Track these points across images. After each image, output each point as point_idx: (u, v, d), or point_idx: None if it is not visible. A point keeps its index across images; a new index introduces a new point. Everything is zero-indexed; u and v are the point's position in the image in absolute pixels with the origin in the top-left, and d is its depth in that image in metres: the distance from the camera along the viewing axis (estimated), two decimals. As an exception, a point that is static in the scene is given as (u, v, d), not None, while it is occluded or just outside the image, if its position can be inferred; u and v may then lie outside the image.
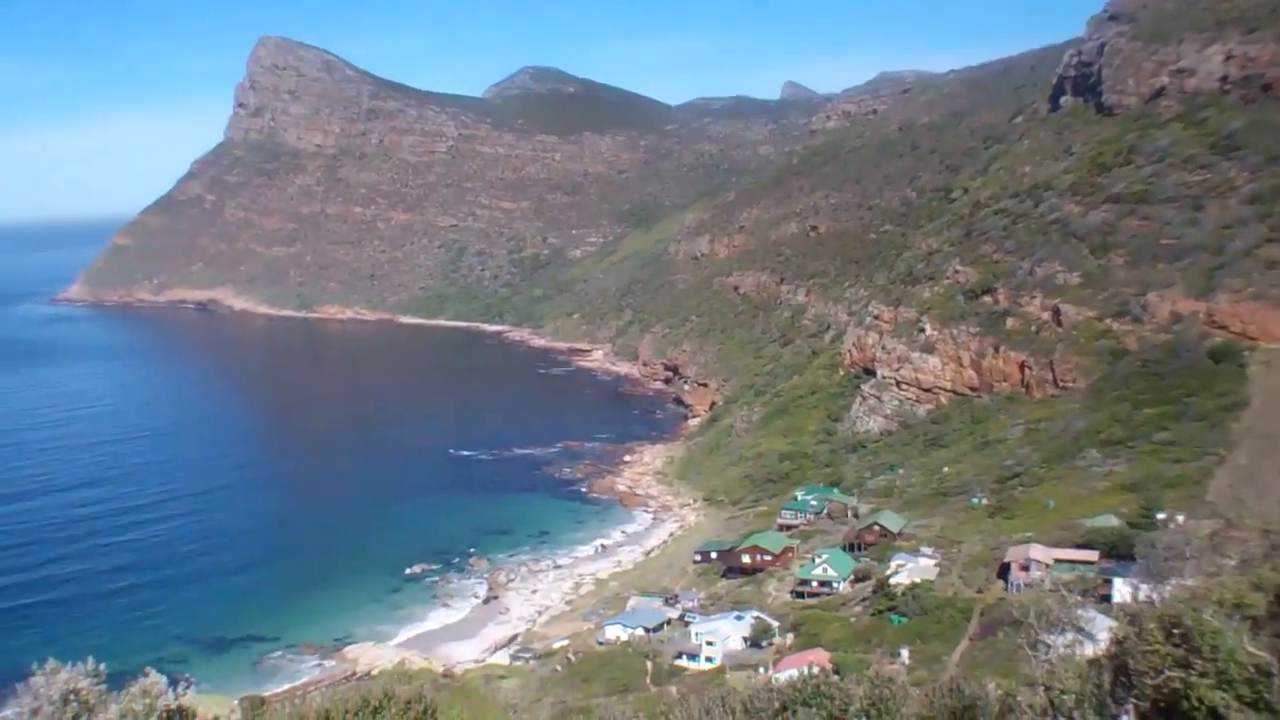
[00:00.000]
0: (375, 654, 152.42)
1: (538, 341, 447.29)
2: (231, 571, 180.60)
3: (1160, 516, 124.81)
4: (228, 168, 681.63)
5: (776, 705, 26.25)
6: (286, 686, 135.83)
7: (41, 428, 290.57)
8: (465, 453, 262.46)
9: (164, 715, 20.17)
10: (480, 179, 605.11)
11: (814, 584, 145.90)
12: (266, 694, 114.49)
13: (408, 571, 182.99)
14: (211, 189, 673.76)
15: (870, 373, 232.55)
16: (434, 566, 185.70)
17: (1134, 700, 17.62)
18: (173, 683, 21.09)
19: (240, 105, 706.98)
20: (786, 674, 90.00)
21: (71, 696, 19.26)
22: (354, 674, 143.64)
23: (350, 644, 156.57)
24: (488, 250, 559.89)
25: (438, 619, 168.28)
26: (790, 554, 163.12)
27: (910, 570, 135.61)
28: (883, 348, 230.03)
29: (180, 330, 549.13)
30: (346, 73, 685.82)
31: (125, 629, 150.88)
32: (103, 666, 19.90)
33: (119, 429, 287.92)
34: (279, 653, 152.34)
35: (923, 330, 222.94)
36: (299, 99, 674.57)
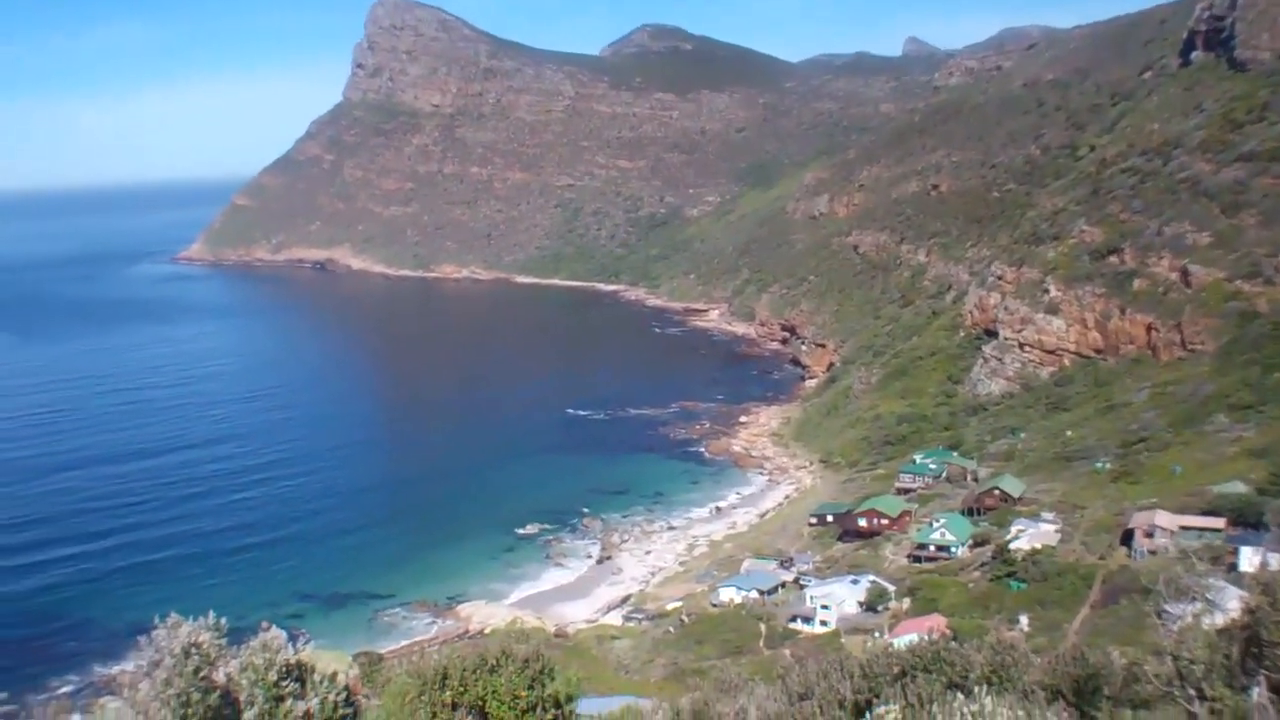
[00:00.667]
0: (488, 613, 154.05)
1: (654, 301, 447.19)
2: (348, 530, 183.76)
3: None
4: (346, 128, 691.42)
5: (895, 670, 25.55)
6: (400, 643, 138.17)
7: (164, 386, 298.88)
8: (581, 412, 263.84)
9: (283, 669, 20.09)
10: (597, 138, 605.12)
11: (931, 548, 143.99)
12: (380, 650, 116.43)
13: (521, 531, 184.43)
14: (330, 149, 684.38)
15: (992, 334, 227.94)
16: (548, 526, 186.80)
17: (1265, 672, 17.07)
18: (291, 638, 21.02)
19: (358, 66, 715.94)
20: (903, 639, 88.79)
21: (193, 650, 19.25)
22: (467, 632, 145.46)
23: (463, 602, 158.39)
24: (604, 209, 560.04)
25: (550, 579, 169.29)
26: (908, 518, 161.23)
27: (1030, 535, 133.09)
28: (1005, 309, 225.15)
29: (298, 289, 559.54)
30: (464, 32, 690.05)
31: (244, 585, 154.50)
32: (224, 621, 19.92)
33: (239, 388, 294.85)
34: (393, 610, 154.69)
35: (1046, 291, 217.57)
36: (416, 59, 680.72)
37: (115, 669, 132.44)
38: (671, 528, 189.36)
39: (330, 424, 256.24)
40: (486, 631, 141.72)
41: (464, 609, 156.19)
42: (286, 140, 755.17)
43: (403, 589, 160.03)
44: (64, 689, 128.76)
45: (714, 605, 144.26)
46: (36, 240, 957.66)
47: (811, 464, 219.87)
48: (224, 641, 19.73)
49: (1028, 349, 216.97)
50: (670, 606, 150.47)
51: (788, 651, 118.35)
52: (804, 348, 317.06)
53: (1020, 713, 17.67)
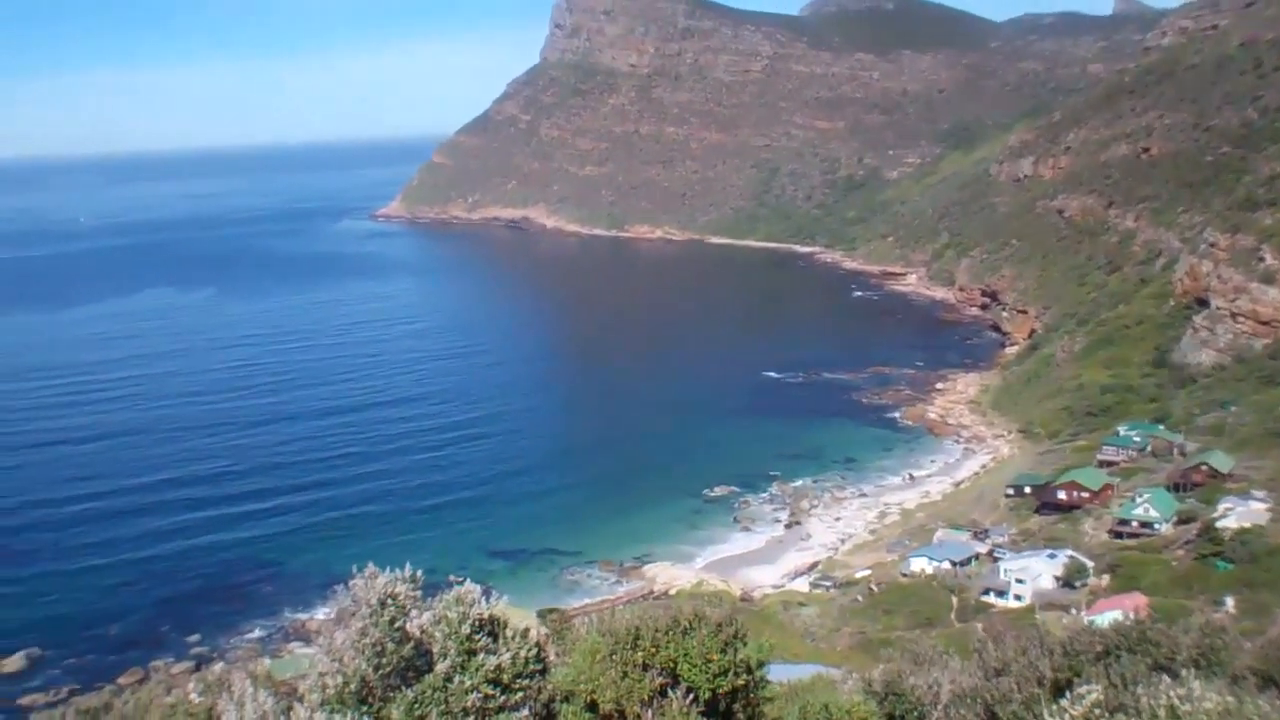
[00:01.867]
0: (673, 574, 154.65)
1: (850, 264, 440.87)
2: (537, 489, 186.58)
3: None
4: (543, 88, 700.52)
5: (1098, 649, 24.36)
6: (584, 602, 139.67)
7: (362, 342, 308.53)
8: (774, 375, 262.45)
9: (476, 623, 20.06)
10: (795, 98, 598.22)
11: (1134, 524, 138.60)
12: (564, 608, 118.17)
13: (710, 494, 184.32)
14: (527, 109, 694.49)
15: (1203, 303, 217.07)
16: (736, 490, 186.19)
17: None
18: (485, 593, 21.02)
19: (557, 26, 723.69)
20: (1101, 616, 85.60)
21: (389, 600, 19.36)
22: (651, 593, 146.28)
23: (649, 563, 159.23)
24: (801, 171, 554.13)
25: (738, 542, 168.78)
26: (1109, 492, 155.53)
27: (1239, 514, 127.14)
28: (1218, 277, 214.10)
29: (492, 248, 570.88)
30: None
31: (434, 541, 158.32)
32: (419, 573, 20.05)
33: (434, 346, 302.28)
34: (579, 569, 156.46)
35: (1262, 259, 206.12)
36: (614, 19, 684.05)
37: (304, 617, 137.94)
38: (863, 494, 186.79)
39: (522, 384, 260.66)
40: (671, 593, 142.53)
41: (649, 570, 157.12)
42: (484, 100, 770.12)
43: (589, 548, 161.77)
44: (254, 633, 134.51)
45: (904, 575, 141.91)
46: (245, 196, 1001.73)
47: (1010, 433, 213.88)
48: (419, 594, 19.85)
49: (1241, 319, 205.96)
50: (859, 575, 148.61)
51: (979, 625, 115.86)
52: (1004, 314, 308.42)
53: (1230, 699, 16.58)
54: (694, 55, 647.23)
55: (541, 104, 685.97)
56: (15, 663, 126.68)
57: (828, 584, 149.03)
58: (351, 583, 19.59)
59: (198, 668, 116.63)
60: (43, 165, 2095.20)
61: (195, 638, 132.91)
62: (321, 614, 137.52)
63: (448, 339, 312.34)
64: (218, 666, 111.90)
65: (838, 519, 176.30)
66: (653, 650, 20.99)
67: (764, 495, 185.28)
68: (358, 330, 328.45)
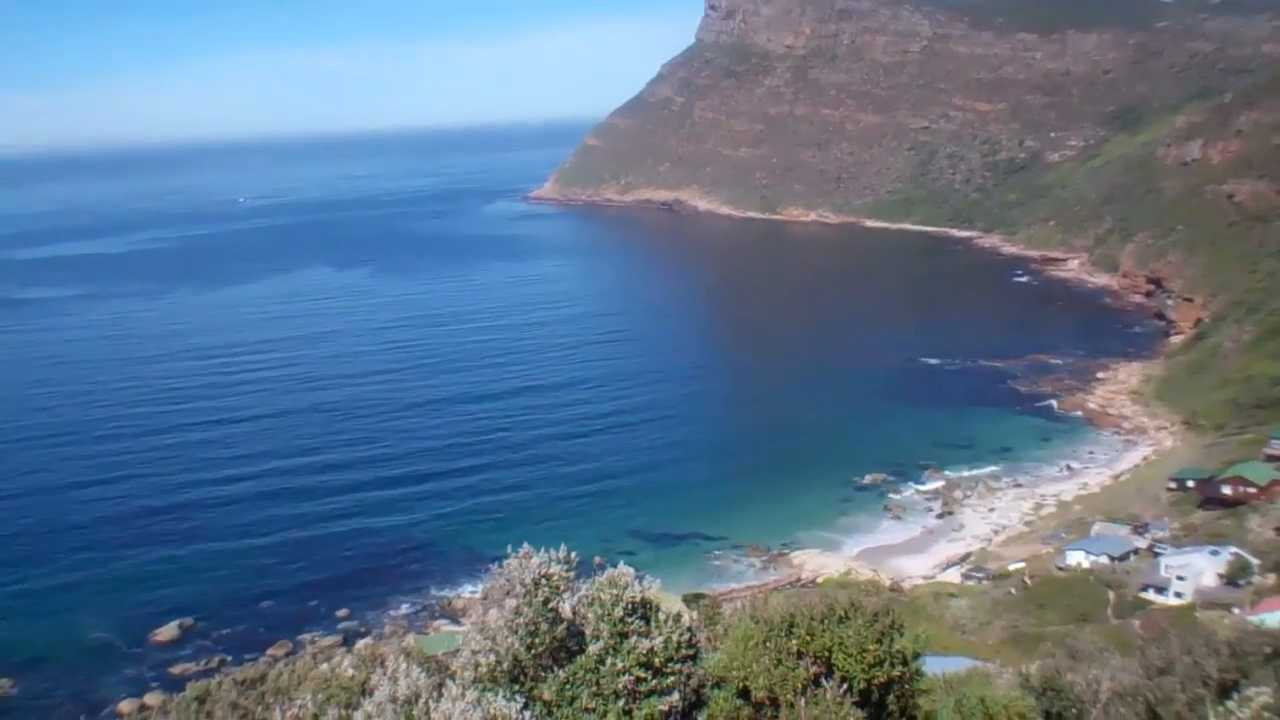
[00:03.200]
0: (821, 561, 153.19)
1: (1009, 249, 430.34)
2: (684, 471, 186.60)
3: None
4: (697, 70, 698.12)
5: (1267, 650, 23.50)
6: (729, 586, 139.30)
7: (514, 328, 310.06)
8: (928, 361, 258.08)
9: (629, 606, 19.96)
10: (954, 79, 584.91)
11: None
12: (708, 592, 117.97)
13: (860, 481, 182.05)
14: (680, 91, 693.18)
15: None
16: (888, 477, 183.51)
17: None
18: (638, 576, 20.87)
19: (712, 7, 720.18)
20: (1268, 616, 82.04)
21: (543, 580, 19.37)
22: (798, 580, 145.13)
23: (796, 550, 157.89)
24: (959, 153, 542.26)
25: (887, 531, 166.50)
26: (1277, 488, 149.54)
27: None
28: None
29: (644, 230, 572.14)
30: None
31: (580, 521, 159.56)
32: (574, 554, 20.00)
33: (586, 331, 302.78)
34: (724, 553, 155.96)
35: None
36: (771, 0, 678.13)
37: (450, 595, 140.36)
38: (1018, 485, 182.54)
39: (673, 370, 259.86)
40: (819, 581, 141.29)
41: (796, 556, 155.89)
42: (638, 82, 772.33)
43: (735, 532, 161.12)
44: (401, 610, 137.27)
45: (1059, 568, 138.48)
46: (401, 178, 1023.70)
47: (1173, 425, 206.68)
48: (572, 575, 19.82)
49: None
50: (1012, 567, 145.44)
51: (1138, 623, 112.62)
52: (1170, 301, 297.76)
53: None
54: (851, 36, 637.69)
55: (696, 86, 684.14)
56: (169, 632, 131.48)
57: (980, 575, 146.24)
58: (505, 562, 19.66)
59: (346, 642, 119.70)
60: (203, 147, 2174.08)
61: (344, 613, 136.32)
62: (468, 592, 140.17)
63: (599, 323, 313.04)
64: (366, 641, 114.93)
65: (991, 510, 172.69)
66: (808, 638, 20.68)
67: (916, 484, 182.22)
68: (511, 313, 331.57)
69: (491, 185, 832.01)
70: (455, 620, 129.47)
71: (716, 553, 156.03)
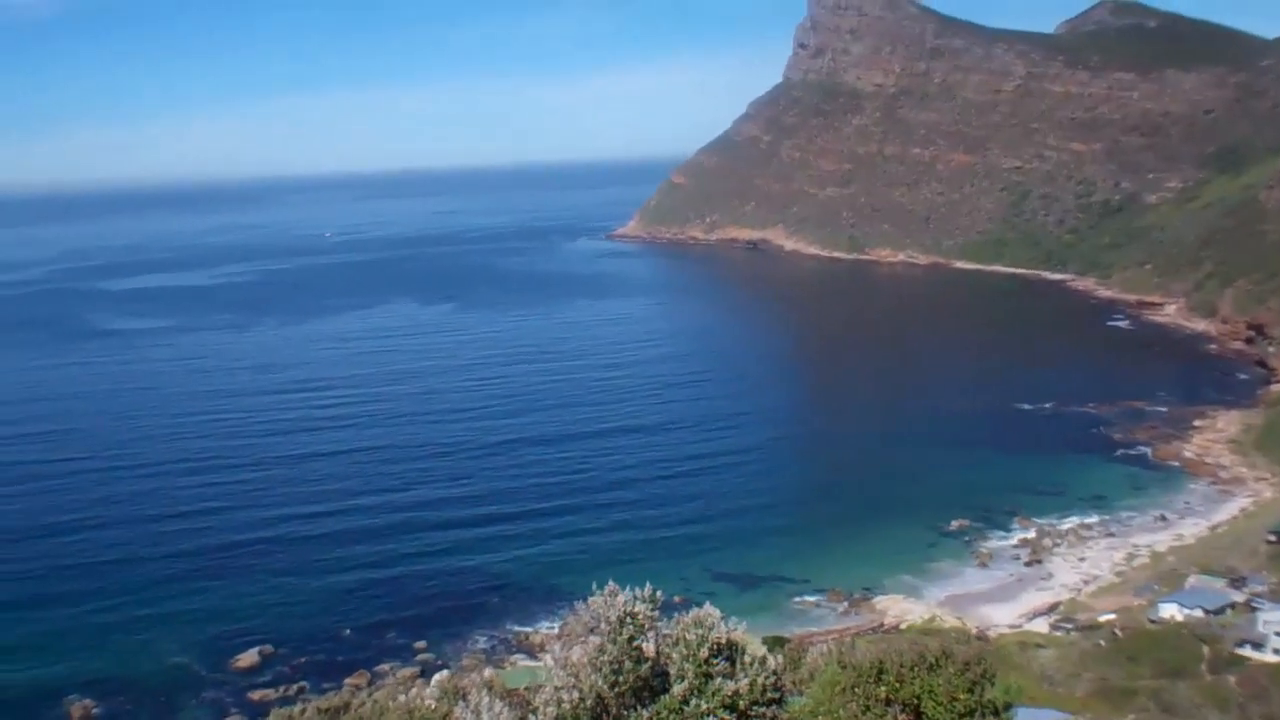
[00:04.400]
0: (904, 607, 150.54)
1: (1103, 292, 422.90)
2: (768, 513, 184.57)
3: None
4: (785, 108, 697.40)
5: None
6: (810, 630, 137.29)
7: (597, 368, 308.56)
8: (1019, 406, 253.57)
9: (714, 647, 19.51)
10: (1048, 119, 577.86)
11: None
12: (787, 635, 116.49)
13: (946, 527, 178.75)
14: (768, 130, 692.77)
15: None
16: (975, 524, 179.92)
17: None
18: (724, 617, 20.45)
19: (800, 46, 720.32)
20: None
21: (628, 619, 18.99)
22: (881, 626, 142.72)
23: (879, 595, 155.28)
24: (1053, 194, 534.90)
25: (973, 578, 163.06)
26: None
27: None
28: None
29: (729, 269, 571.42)
30: (910, 10, 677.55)
31: (660, 562, 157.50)
32: (660, 593, 19.62)
33: (669, 372, 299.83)
34: (805, 596, 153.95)
35: None
36: (860, 38, 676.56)
37: (528, 630, 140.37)
38: (1110, 534, 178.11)
39: (757, 411, 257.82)
40: (902, 627, 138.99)
41: (879, 602, 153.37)
42: (724, 120, 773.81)
43: (817, 576, 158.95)
44: (479, 644, 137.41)
45: (1151, 621, 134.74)
46: (486, 214, 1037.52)
47: (1273, 476, 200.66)
48: (657, 614, 19.43)
49: None
50: (1102, 618, 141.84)
51: (1233, 679, 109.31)
52: (1270, 349, 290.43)
53: None
54: (942, 74, 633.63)
55: (783, 124, 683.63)
56: (249, 659, 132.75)
57: (1068, 626, 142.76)
58: (590, 599, 19.35)
59: (423, 674, 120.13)
60: (291, 183, 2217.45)
61: (421, 645, 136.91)
62: (545, 628, 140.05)
63: (683, 364, 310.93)
64: (444, 674, 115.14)
65: (1082, 559, 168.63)
66: (897, 685, 20.09)
67: (1004, 531, 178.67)
68: (594, 352, 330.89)
69: (575, 222, 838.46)
70: (532, 655, 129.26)
71: (797, 596, 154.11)
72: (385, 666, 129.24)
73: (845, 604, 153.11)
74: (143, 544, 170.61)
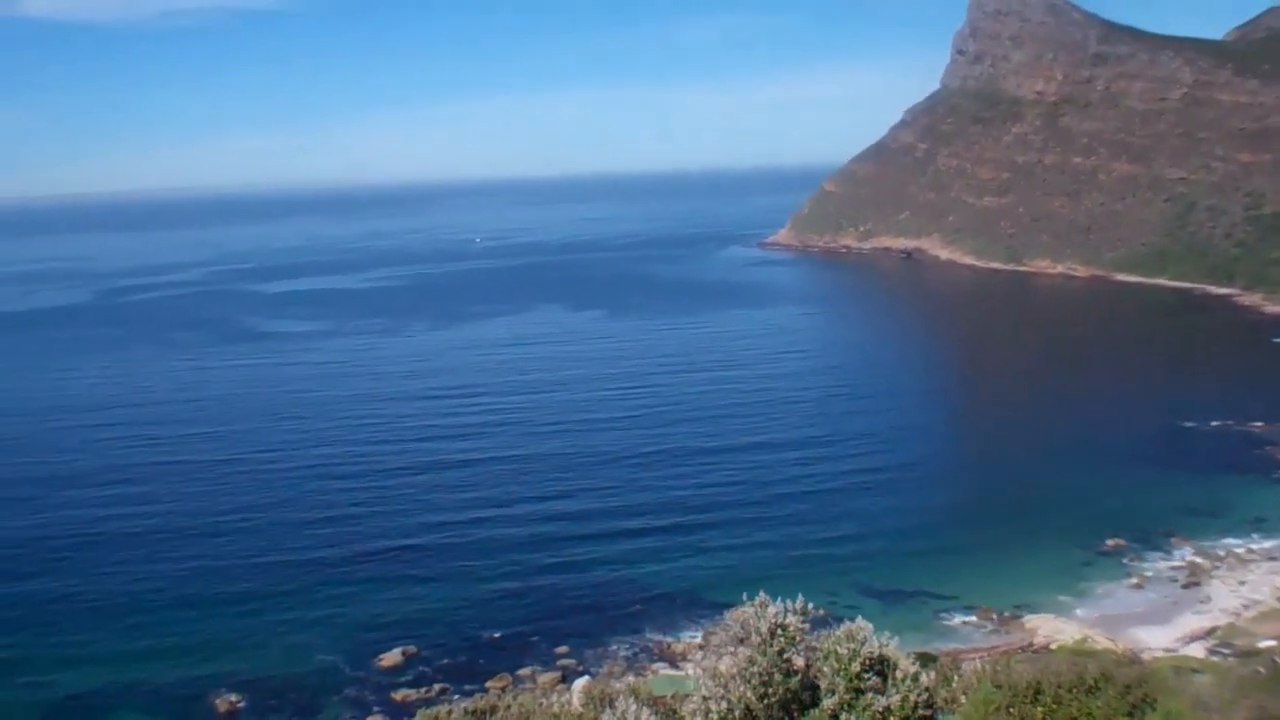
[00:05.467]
0: (1055, 627, 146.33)
1: (1271, 308, 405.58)
2: (916, 528, 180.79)
3: None
4: (942, 116, 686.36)
5: None
6: (955, 647, 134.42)
7: (746, 379, 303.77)
8: (1180, 424, 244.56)
9: (866, 662, 19.19)
10: (1216, 128, 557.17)
11: None
12: (932, 650, 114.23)
13: (1100, 546, 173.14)
14: (924, 137, 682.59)
15: None
16: (1130, 544, 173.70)
17: None
18: (876, 631, 20.14)
19: (959, 52, 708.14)
20: None
21: (779, 631, 18.80)
22: (1031, 645, 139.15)
23: (1029, 614, 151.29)
24: (1220, 206, 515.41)
25: (1127, 599, 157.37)
26: None
27: None
28: None
29: (883, 279, 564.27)
30: (1073, 16, 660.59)
31: (804, 575, 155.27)
32: (811, 606, 19.39)
33: (818, 385, 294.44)
34: (953, 613, 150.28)
35: None
36: (1021, 45, 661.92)
37: (669, 640, 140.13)
38: (1272, 558, 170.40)
39: (909, 425, 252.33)
40: (1053, 647, 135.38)
41: (1029, 621, 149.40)
42: (878, 128, 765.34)
43: (965, 593, 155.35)
44: (619, 651, 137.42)
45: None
46: (636, 221, 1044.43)
47: None
48: (808, 626, 19.21)
49: None
50: (1262, 645, 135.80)
51: None
52: None
53: None
54: (1106, 82, 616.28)
55: (940, 132, 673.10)
56: (392, 658, 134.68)
57: (1226, 651, 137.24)
58: (739, 609, 19.24)
59: (564, 679, 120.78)
60: (444, 188, 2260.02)
61: (563, 650, 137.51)
62: (687, 638, 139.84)
63: (834, 377, 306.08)
64: (584, 679, 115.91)
65: (1242, 583, 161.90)
66: (1054, 706, 19.62)
67: (1161, 551, 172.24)
68: (745, 363, 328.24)
69: (726, 229, 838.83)
70: (673, 664, 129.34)
71: (944, 612, 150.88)
72: (526, 670, 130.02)
73: (994, 622, 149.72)
74: (292, 546, 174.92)
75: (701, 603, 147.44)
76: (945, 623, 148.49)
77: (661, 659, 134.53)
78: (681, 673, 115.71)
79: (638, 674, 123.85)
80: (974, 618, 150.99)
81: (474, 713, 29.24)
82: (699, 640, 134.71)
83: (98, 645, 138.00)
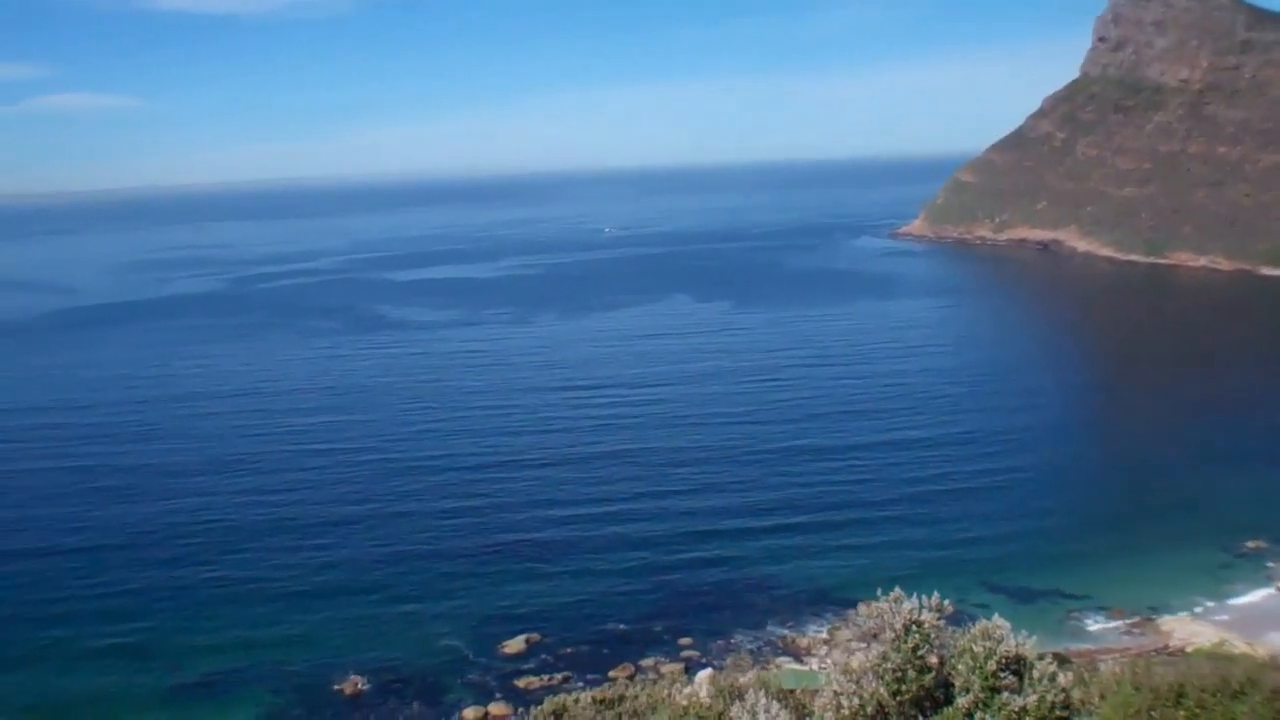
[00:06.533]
0: (1191, 630, 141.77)
1: None
2: (1047, 526, 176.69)
3: None
4: (1081, 104, 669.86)
5: None
6: (1086, 648, 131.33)
7: (880, 375, 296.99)
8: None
9: (1002, 660, 18.82)
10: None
11: None
12: (1061, 651, 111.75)
13: (1241, 547, 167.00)
14: (1062, 126, 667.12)
15: None
16: (1272, 546, 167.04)
17: None
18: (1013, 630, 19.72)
19: (1100, 39, 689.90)
20: None
21: (914, 627, 18.53)
22: (1165, 648, 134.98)
23: (1165, 615, 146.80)
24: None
25: (1268, 603, 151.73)
26: None
27: None
28: None
29: (1018, 271, 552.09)
30: (1219, 1, 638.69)
31: (932, 572, 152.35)
32: (947, 603, 19.10)
33: (952, 381, 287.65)
34: (1086, 613, 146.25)
35: None
36: (1164, 31, 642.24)
37: (792, 634, 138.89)
38: None
39: (1044, 426, 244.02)
40: (1188, 650, 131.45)
41: (1165, 623, 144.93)
42: (1015, 117, 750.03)
43: (1098, 592, 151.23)
44: (743, 643, 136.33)
45: None
46: (767, 211, 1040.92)
47: None
48: (943, 623, 18.90)
49: None
50: None
51: None
52: None
53: None
54: (1253, 69, 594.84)
55: (1079, 121, 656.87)
56: (516, 645, 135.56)
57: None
58: (873, 605, 19.00)
59: (688, 670, 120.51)
60: (568, 178, 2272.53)
61: (686, 641, 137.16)
62: (811, 632, 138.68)
63: (969, 373, 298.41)
64: (707, 671, 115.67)
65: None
66: (1197, 710, 18.97)
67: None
68: (876, 357, 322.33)
69: (857, 220, 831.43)
70: (798, 658, 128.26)
71: (1075, 612, 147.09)
72: (649, 661, 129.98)
73: (1128, 622, 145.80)
74: (420, 537, 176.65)
75: (827, 599, 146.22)
76: (1077, 623, 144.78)
77: (786, 653, 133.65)
78: (806, 667, 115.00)
79: (762, 667, 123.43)
80: (1106, 618, 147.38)
81: (602, 702, 29.37)
82: (824, 635, 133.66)
83: (228, 631, 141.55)
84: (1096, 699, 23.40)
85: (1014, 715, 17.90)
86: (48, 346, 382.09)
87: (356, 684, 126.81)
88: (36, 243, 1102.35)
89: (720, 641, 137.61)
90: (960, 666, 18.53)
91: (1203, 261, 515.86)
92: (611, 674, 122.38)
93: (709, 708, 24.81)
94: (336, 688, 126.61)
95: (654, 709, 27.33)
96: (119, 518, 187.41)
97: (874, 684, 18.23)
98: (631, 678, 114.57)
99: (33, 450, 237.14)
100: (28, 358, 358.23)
